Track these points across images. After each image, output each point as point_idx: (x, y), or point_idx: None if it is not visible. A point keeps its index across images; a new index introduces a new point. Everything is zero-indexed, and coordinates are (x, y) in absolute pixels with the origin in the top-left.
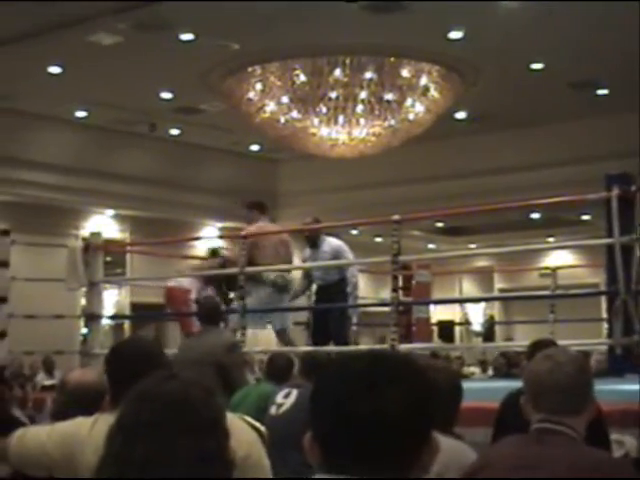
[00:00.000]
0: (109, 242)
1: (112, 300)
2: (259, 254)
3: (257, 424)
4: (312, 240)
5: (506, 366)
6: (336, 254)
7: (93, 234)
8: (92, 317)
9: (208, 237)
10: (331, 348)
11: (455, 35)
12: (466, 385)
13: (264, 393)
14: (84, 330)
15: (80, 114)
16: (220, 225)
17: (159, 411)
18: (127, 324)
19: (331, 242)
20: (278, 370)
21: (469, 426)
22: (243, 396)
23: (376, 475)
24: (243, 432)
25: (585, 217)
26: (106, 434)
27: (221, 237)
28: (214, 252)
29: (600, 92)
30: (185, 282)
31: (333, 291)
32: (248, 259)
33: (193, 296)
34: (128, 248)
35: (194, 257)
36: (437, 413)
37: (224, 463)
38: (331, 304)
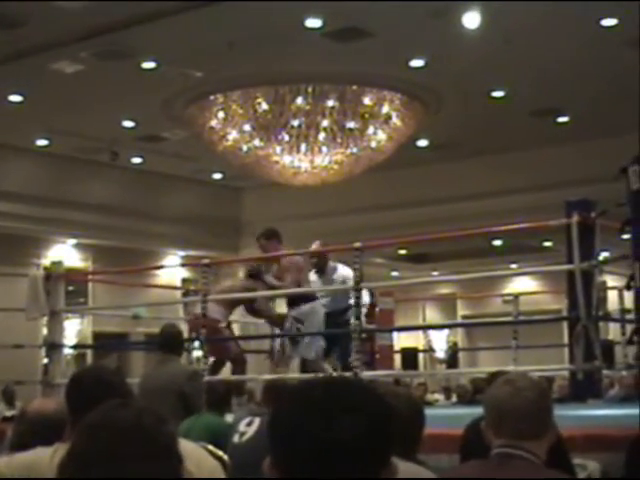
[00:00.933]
0: (71, 271)
1: (74, 329)
2: (304, 278)
3: (219, 452)
4: (320, 266)
5: (470, 393)
6: (347, 282)
7: (54, 263)
8: (53, 347)
9: (170, 266)
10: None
11: (416, 63)
12: (430, 412)
13: (210, 425)
14: (45, 360)
15: (41, 142)
16: (183, 253)
17: (112, 439)
18: (89, 354)
19: (341, 269)
20: (217, 399)
21: (433, 452)
22: (187, 429)
23: None
24: (205, 460)
25: (547, 243)
26: (58, 465)
27: (183, 265)
28: (252, 274)
29: (561, 119)
30: (210, 309)
31: (340, 320)
32: (297, 283)
33: (222, 323)
34: (90, 277)
35: (157, 286)
36: (398, 439)
37: None
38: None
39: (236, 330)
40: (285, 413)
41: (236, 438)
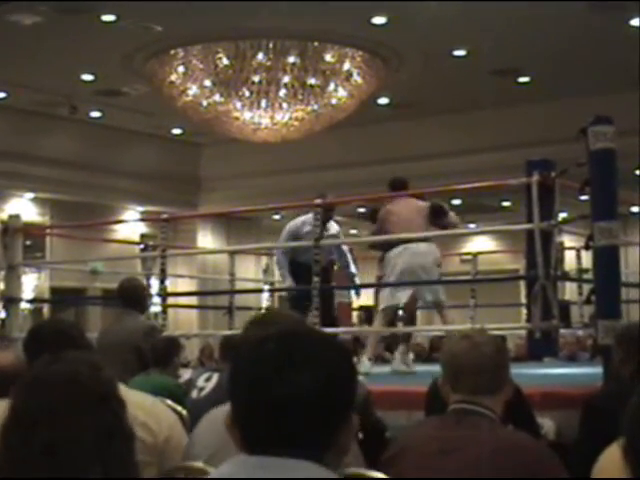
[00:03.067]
0: (28, 225)
1: (31, 284)
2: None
3: (178, 407)
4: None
5: (427, 351)
6: (338, 236)
7: (12, 217)
8: (11, 301)
9: (129, 220)
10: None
11: (378, 21)
12: (387, 369)
13: (160, 384)
14: (2, 314)
15: None
16: (141, 209)
17: (48, 394)
18: (46, 308)
19: (334, 224)
20: (160, 356)
21: (392, 409)
22: (138, 388)
23: (293, 455)
24: (165, 415)
25: (506, 203)
26: (1, 424)
27: (142, 220)
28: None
29: (522, 79)
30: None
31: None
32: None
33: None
34: (48, 231)
35: (115, 241)
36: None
37: (125, 434)
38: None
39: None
40: (242, 368)
41: (194, 393)
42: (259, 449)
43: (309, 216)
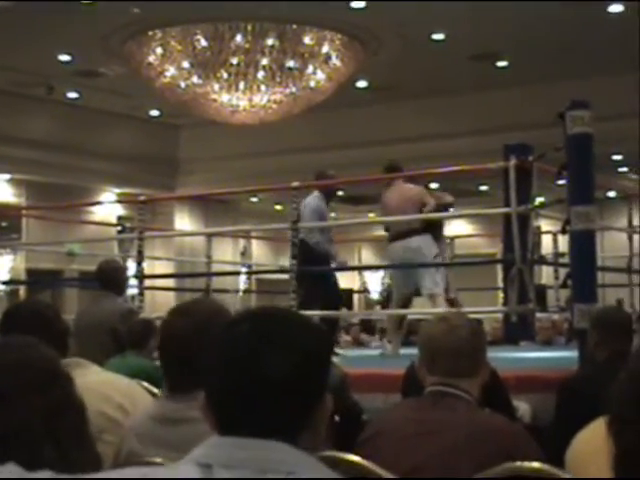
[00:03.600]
0: (4, 206)
1: (7, 266)
2: None
3: (154, 389)
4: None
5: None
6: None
7: None
8: None
9: (107, 202)
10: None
11: (357, 4)
12: (365, 352)
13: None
14: None
15: None
16: (118, 191)
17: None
18: (22, 290)
19: None
20: (137, 339)
21: (368, 392)
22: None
23: (267, 437)
24: (141, 396)
25: (483, 188)
26: None
27: (120, 202)
28: None
29: (500, 64)
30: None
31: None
32: None
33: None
34: (24, 213)
35: (92, 222)
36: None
37: (74, 407)
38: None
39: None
40: (214, 349)
41: None
42: (233, 431)
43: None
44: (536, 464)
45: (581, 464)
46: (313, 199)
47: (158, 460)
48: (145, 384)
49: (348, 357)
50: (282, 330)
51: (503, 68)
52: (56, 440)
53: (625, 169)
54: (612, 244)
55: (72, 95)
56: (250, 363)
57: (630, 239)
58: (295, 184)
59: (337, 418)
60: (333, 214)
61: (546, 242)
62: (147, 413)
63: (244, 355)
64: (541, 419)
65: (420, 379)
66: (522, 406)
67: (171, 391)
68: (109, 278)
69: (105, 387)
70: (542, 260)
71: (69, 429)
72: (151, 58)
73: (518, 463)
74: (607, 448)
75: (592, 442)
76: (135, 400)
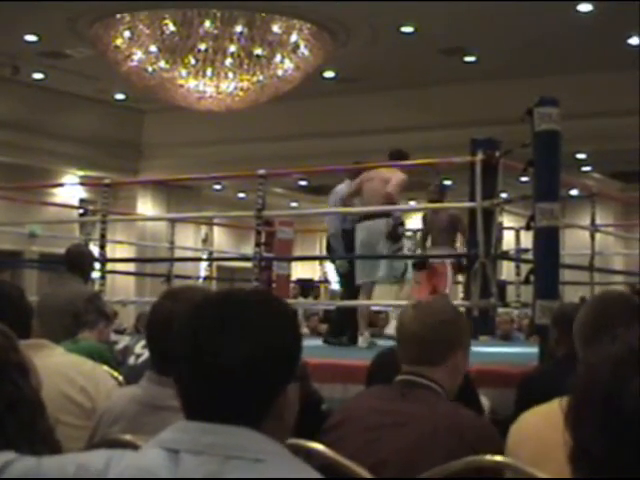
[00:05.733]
0: None
1: None
2: None
3: (115, 373)
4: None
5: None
6: None
7: None
8: None
9: (70, 184)
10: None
11: None
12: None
13: (92, 349)
14: None
15: None
16: (81, 174)
17: None
18: None
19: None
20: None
21: (327, 382)
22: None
23: (231, 422)
24: (104, 380)
25: (447, 182)
26: None
27: (83, 185)
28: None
29: (468, 59)
30: None
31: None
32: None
33: None
34: None
35: (54, 204)
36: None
37: (27, 401)
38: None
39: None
40: (182, 333)
41: (132, 360)
42: (199, 416)
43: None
44: (498, 457)
45: (518, 447)
46: (342, 188)
47: (140, 444)
48: (106, 368)
49: (308, 347)
50: (243, 317)
51: (471, 63)
52: (5, 437)
53: (589, 168)
54: (573, 242)
55: (38, 76)
56: (210, 349)
57: (592, 238)
58: (261, 171)
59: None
60: (295, 204)
61: (508, 238)
62: (131, 397)
63: (205, 341)
64: (499, 414)
65: (398, 366)
66: (482, 401)
67: (157, 374)
68: (76, 262)
69: (68, 369)
70: (505, 255)
71: (20, 425)
72: (118, 41)
73: (480, 457)
74: (547, 435)
75: (537, 424)
76: (98, 383)
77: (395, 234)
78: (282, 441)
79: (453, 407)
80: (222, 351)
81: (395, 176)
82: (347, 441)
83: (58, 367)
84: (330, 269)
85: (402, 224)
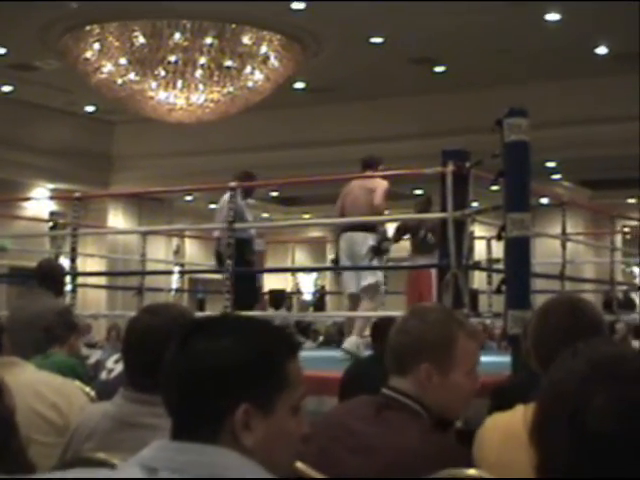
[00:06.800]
0: None
1: None
2: None
3: (87, 389)
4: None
5: (337, 335)
6: None
7: None
8: None
9: (40, 198)
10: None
11: (297, 5)
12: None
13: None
14: None
15: None
16: (51, 186)
17: None
18: None
19: None
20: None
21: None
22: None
23: (205, 441)
24: (76, 396)
25: (418, 192)
26: None
27: (53, 198)
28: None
29: (438, 69)
30: None
31: None
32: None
33: None
34: None
35: (24, 218)
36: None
37: (2, 423)
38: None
39: None
40: (167, 361)
41: (104, 375)
42: (177, 435)
43: None
44: (472, 471)
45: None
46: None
47: (114, 462)
48: (78, 383)
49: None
50: (214, 346)
51: (441, 73)
52: None
53: (559, 176)
54: (544, 250)
55: (6, 89)
56: (181, 356)
57: (563, 246)
58: (232, 184)
59: None
60: (266, 215)
61: (479, 248)
62: (104, 413)
63: (180, 371)
64: (472, 424)
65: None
66: None
67: (131, 391)
68: (48, 277)
69: (39, 386)
70: (477, 265)
71: None
72: (88, 53)
73: (453, 470)
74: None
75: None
76: (70, 399)
77: (380, 250)
78: (279, 462)
79: (415, 437)
80: (181, 371)
81: (380, 187)
82: (307, 458)
83: (29, 384)
84: (303, 280)
85: (387, 239)
